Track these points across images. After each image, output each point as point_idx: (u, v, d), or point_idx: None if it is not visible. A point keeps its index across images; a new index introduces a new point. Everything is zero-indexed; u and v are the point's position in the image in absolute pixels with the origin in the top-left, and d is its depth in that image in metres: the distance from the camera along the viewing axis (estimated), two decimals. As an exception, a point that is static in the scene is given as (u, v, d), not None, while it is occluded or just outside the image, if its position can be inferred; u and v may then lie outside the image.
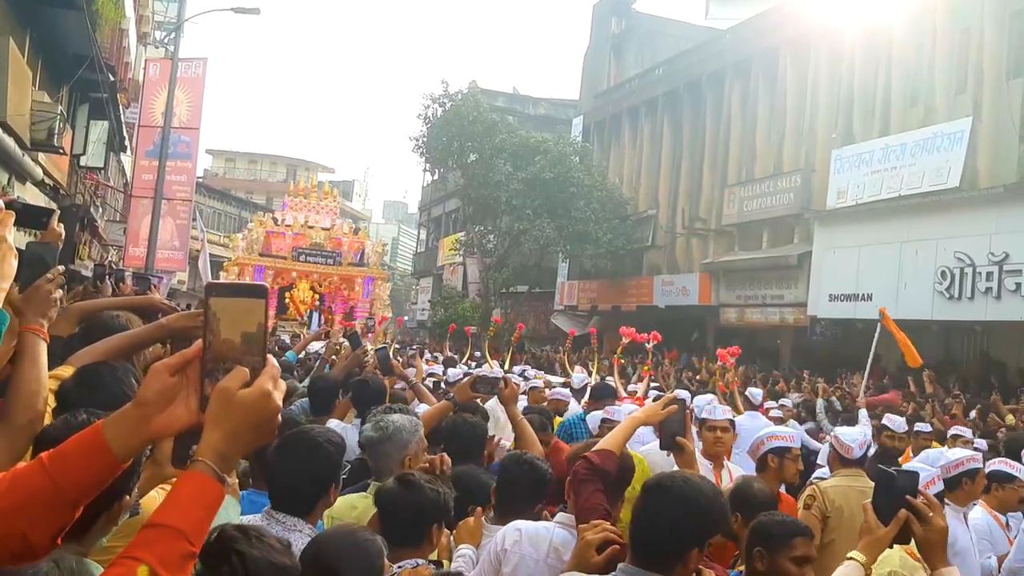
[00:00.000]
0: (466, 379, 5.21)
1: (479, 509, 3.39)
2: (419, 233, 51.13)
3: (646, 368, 10.99)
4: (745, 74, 23.12)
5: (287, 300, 25.47)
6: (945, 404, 11.91)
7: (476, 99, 28.89)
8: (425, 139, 29.17)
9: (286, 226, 27.23)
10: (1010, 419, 10.49)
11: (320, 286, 27.19)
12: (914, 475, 2.37)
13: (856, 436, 5.03)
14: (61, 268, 2.45)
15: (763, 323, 20.70)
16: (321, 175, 60.29)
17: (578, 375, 10.35)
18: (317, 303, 25.55)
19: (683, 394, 8.15)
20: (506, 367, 12.66)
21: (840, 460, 4.93)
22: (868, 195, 17.65)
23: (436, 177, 41.04)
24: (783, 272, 20.05)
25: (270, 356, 1.29)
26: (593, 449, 3.19)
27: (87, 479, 1.25)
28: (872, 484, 2.48)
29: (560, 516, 3.21)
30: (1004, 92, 15.71)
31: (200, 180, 43.69)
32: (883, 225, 16.95)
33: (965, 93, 16.61)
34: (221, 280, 1.55)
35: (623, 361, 13.60)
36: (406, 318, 40.60)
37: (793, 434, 5.11)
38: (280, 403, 1.28)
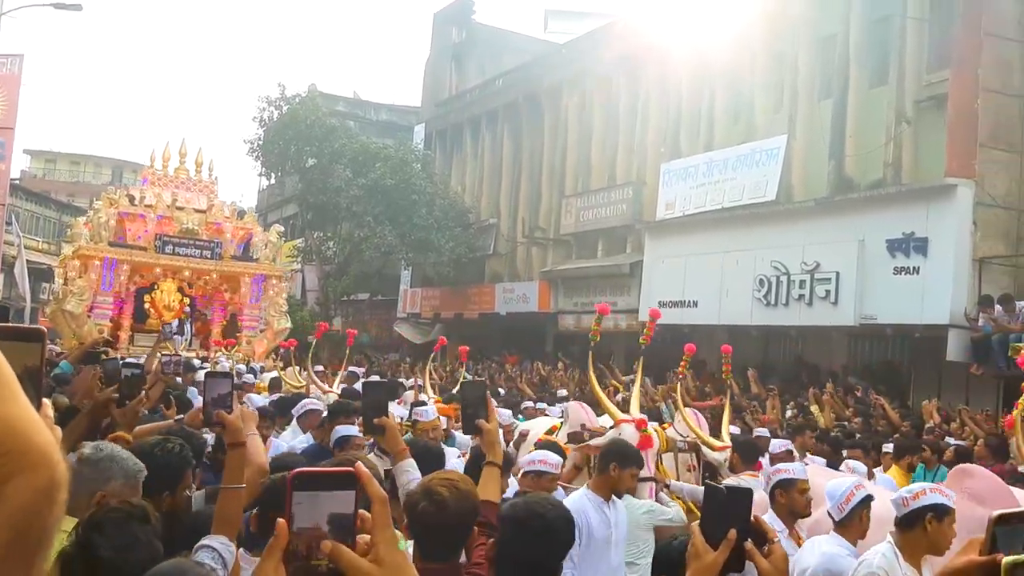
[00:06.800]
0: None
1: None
2: (256, 239, 49.56)
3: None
4: (581, 88, 23.78)
5: (147, 305, 19.92)
6: (763, 401, 12.73)
7: (315, 103, 28.35)
8: (261, 142, 28.33)
9: (146, 207, 19.72)
10: (814, 410, 11.31)
11: (191, 286, 20.34)
12: (747, 491, 2.07)
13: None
14: None
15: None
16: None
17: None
18: (187, 308, 20.62)
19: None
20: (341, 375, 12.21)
21: None
22: (694, 207, 18.50)
23: (273, 181, 40.00)
24: (616, 280, 20.73)
25: (46, 401, 1.25)
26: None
27: None
28: None
29: None
30: (815, 112, 16.90)
31: (16, 182, 40.80)
32: (707, 236, 17.75)
33: (781, 112, 17.72)
34: None
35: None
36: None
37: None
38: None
